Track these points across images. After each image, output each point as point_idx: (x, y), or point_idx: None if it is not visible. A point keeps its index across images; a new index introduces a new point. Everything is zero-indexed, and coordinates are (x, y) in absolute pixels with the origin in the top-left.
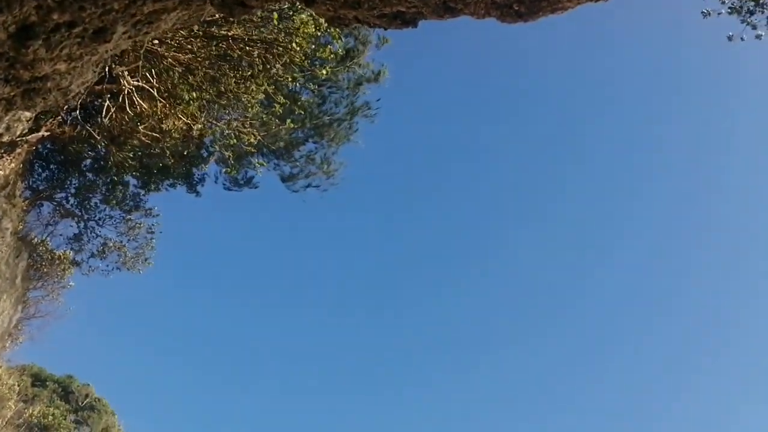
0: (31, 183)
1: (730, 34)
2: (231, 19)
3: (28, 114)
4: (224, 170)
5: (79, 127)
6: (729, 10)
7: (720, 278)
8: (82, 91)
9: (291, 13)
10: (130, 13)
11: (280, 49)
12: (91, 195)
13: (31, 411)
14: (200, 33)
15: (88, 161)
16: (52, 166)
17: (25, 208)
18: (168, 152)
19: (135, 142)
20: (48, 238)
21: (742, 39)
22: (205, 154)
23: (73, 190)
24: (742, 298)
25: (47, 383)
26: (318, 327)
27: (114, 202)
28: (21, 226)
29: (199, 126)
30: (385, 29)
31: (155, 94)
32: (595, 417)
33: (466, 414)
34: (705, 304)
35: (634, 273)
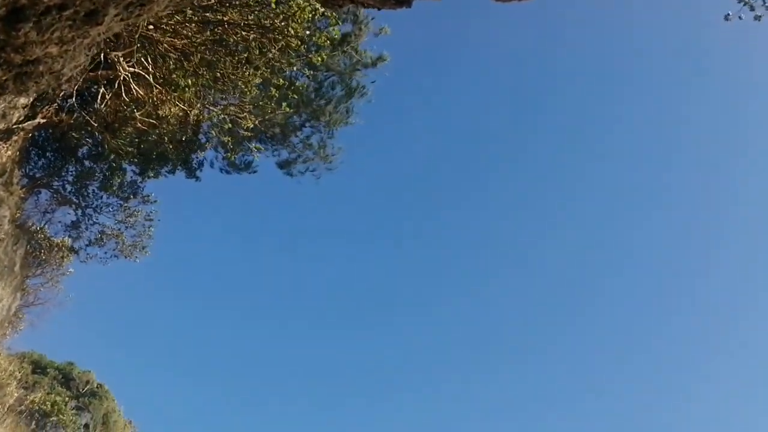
0: (28, 171)
1: (728, 13)
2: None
3: (23, 101)
4: (224, 155)
5: (75, 114)
6: None
7: (739, 280)
8: (75, 75)
9: None
10: None
11: (277, 33)
12: (88, 182)
13: (32, 398)
14: (195, 18)
15: (85, 148)
16: (48, 154)
17: (22, 195)
18: (165, 138)
19: (129, 129)
20: (46, 226)
21: (740, 18)
22: (203, 140)
23: (70, 178)
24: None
25: (48, 370)
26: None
27: (111, 189)
28: (19, 214)
29: (196, 112)
30: (379, 9)
31: (151, 80)
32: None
33: (470, 419)
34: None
35: (653, 275)
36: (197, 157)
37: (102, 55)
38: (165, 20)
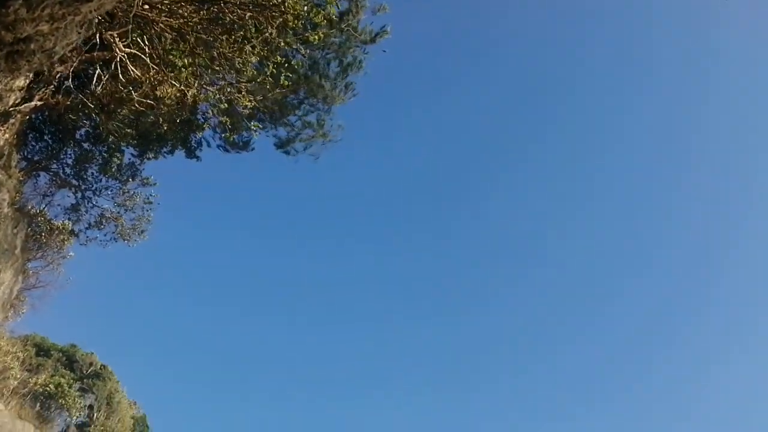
0: (26, 154)
1: None
2: None
3: (20, 83)
4: (222, 135)
5: (72, 95)
6: None
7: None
8: (70, 55)
9: None
10: None
11: (274, 11)
12: (87, 165)
13: (35, 380)
14: None
15: (83, 131)
16: (46, 137)
17: (21, 178)
18: (163, 119)
19: (126, 110)
20: (46, 209)
21: None
22: (201, 120)
23: (69, 161)
24: None
25: (51, 353)
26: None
27: (110, 171)
28: (18, 197)
29: (194, 92)
30: None
31: (147, 60)
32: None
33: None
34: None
35: (668, 275)
36: (196, 137)
37: (97, 36)
38: None
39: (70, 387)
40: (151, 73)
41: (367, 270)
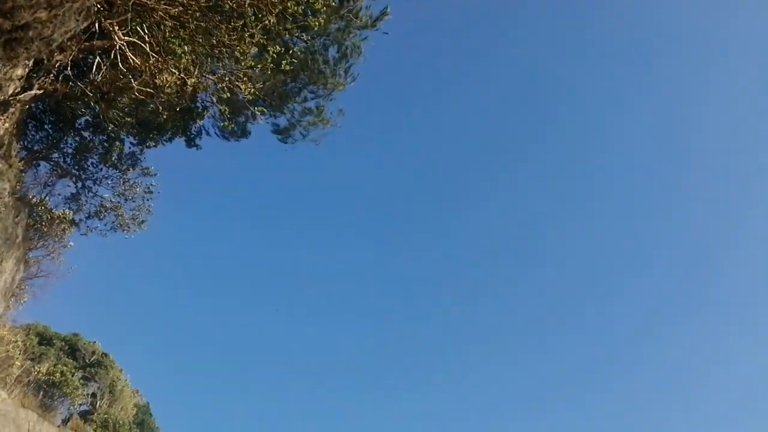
0: (26, 143)
1: None
2: None
3: (19, 72)
4: (222, 124)
5: (71, 84)
6: None
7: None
8: (68, 43)
9: None
10: None
11: None
12: (87, 154)
13: (38, 369)
14: None
15: (83, 120)
16: (47, 126)
17: (21, 168)
18: (163, 108)
19: (126, 98)
20: (47, 198)
21: None
22: (201, 108)
23: (69, 150)
24: None
25: (54, 342)
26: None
27: (110, 160)
28: (19, 186)
29: (193, 80)
30: None
31: (147, 49)
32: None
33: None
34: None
35: (664, 275)
36: (196, 126)
37: (96, 24)
38: None
39: (72, 375)
40: (151, 62)
41: (366, 263)
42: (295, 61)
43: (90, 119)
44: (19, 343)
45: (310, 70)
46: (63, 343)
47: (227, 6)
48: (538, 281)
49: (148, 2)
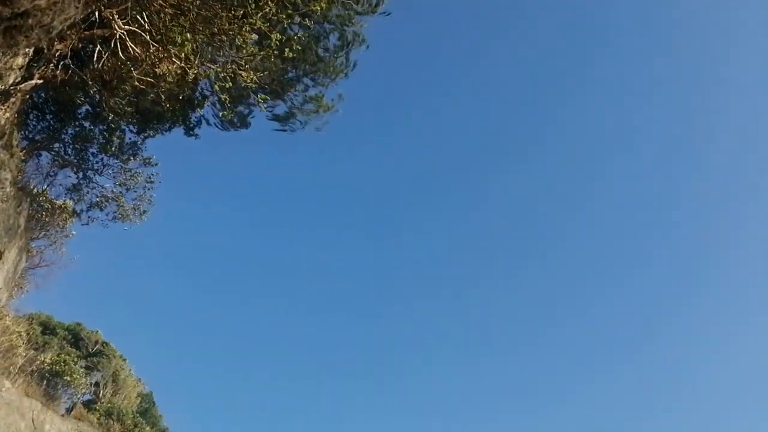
0: (28, 134)
1: None
2: None
3: (19, 61)
4: (222, 113)
5: (71, 72)
6: None
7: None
8: (68, 32)
9: None
10: None
11: None
12: (88, 144)
13: (42, 358)
14: None
15: (83, 109)
16: (48, 116)
17: (23, 158)
18: (164, 97)
19: (127, 87)
20: (48, 188)
21: None
22: (200, 98)
23: (70, 140)
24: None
25: (57, 331)
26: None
27: (111, 150)
28: (20, 176)
29: (194, 69)
30: None
31: (147, 38)
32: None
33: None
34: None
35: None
36: (195, 115)
37: (96, 13)
38: None
39: (75, 365)
40: (151, 51)
41: (364, 261)
42: (299, 47)
43: (90, 109)
44: (23, 332)
45: (311, 58)
46: (66, 333)
47: None
48: (536, 279)
49: None
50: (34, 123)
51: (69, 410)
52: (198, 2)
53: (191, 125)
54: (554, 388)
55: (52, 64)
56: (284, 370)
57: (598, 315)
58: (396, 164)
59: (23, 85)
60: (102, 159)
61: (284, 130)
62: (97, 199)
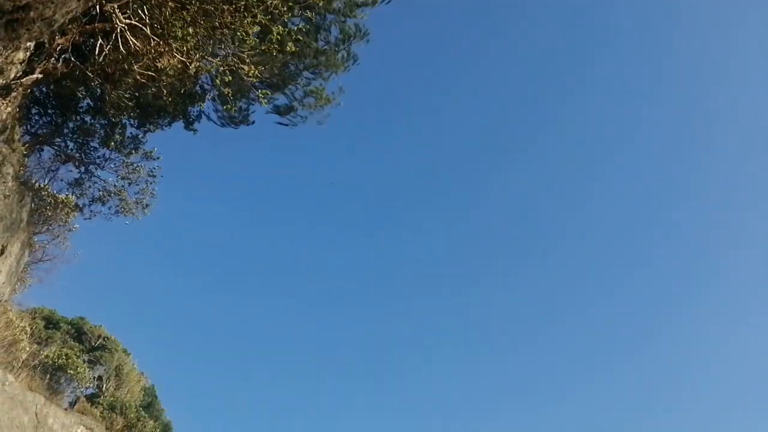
0: (29, 128)
1: None
2: None
3: (20, 56)
4: (224, 107)
5: (72, 65)
6: None
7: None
8: (69, 26)
9: None
10: None
11: None
12: (89, 138)
13: (45, 352)
14: None
15: (85, 103)
16: (49, 111)
17: (25, 152)
18: (166, 91)
19: (130, 80)
20: (50, 183)
21: None
22: (201, 92)
23: (71, 134)
24: None
25: (60, 325)
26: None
27: (112, 144)
28: (22, 171)
29: (196, 63)
30: None
31: (148, 32)
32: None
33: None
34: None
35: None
36: (196, 110)
37: (97, 6)
38: None
39: (78, 359)
40: (152, 44)
41: (364, 259)
42: (300, 39)
43: (91, 103)
44: (26, 326)
45: (312, 51)
46: (69, 327)
47: None
48: (536, 278)
49: None
50: (35, 117)
51: (72, 404)
52: None
53: (191, 119)
54: (554, 387)
55: (53, 58)
56: (283, 367)
57: (598, 314)
58: (396, 162)
59: (24, 79)
60: (104, 153)
61: (286, 124)
62: (100, 193)
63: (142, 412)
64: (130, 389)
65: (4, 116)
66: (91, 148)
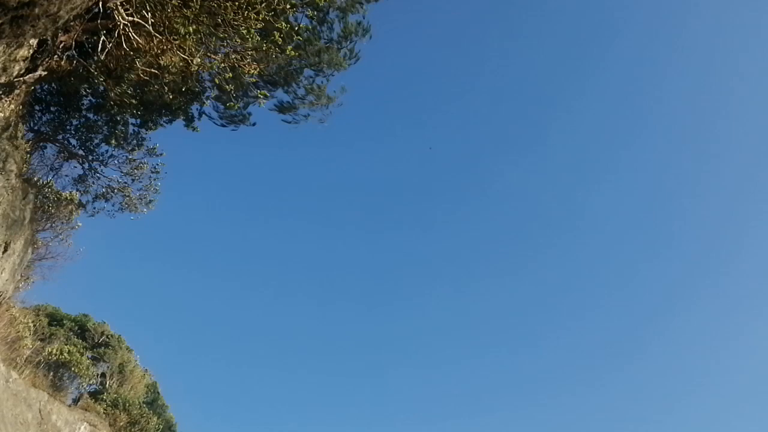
0: (32, 125)
1: None
2: None
3: (23, 53)
4: (226, 105)
5: (75, 62)
6: None
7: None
8: (73, 22)
9: None
10: None
11: None
12: (92, 135)
13: (48, 349)
14: None
15: (87, 100)
16: (52, 108)
17: (28, 150)
18: (168, 88)
19: (132, 77)
20: (53, 180)
21: None
22: (202, 90)
23: (74, 131)
24: None
25: (64, 322)
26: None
27: (115, 141)
28: (25, 168)
29: (198, 61)
30: None
31: (150, 29)
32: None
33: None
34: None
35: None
36: (197, 108)
37: (100, 4)
38: None
39: (81, 355)
40: (155, 42)
41: (364, 255)
42: (301, 38)
43: (94, 100)
44: (30, 323)
45: (314, 49)
46: (72, 324)
47: None
48: (536, 277)
49: None
50: (38, 115)
51: (76, 401)
52: None
53: (191, 117)
54: (554, 388)
55: (56, 56)
56: (287, 364)
57: (598, 314)
58: (399, 159)
59: (28, 76)
60: (107, 150)
61: (289, 122)
62: (103, 190)
63: (146, 409)
64: (133, 386)
65: (7, 113)
66: (95, 145)
